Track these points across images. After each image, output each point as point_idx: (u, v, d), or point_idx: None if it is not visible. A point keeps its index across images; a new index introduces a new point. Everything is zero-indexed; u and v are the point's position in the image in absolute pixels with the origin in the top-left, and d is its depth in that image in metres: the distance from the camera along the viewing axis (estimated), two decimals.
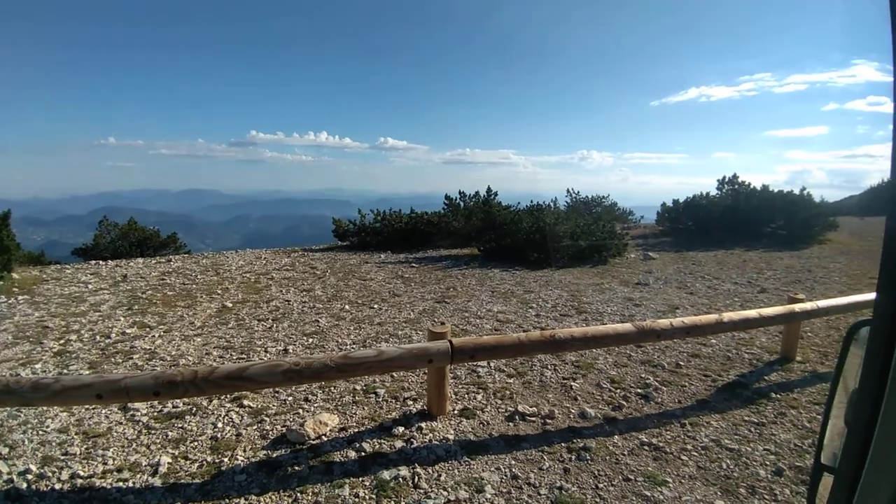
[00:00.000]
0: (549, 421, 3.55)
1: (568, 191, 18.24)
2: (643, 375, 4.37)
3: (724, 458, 3.11)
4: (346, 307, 6.64)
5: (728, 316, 4.14)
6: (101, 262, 10.31)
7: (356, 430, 3.40)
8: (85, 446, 3.17)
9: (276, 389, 3.93)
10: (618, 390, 4.07)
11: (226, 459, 3.03)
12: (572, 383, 4.17)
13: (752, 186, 14.26)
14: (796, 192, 13.65)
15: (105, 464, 2.97)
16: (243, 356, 4.83)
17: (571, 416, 3.64)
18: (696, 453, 3.17)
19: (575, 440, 3.30)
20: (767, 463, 3.07)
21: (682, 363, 4.67)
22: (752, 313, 4.31)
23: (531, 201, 15.16)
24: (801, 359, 4.80)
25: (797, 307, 4.46)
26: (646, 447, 3.23)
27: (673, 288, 7.89)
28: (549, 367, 4.51)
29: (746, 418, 3.63)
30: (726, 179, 14.58)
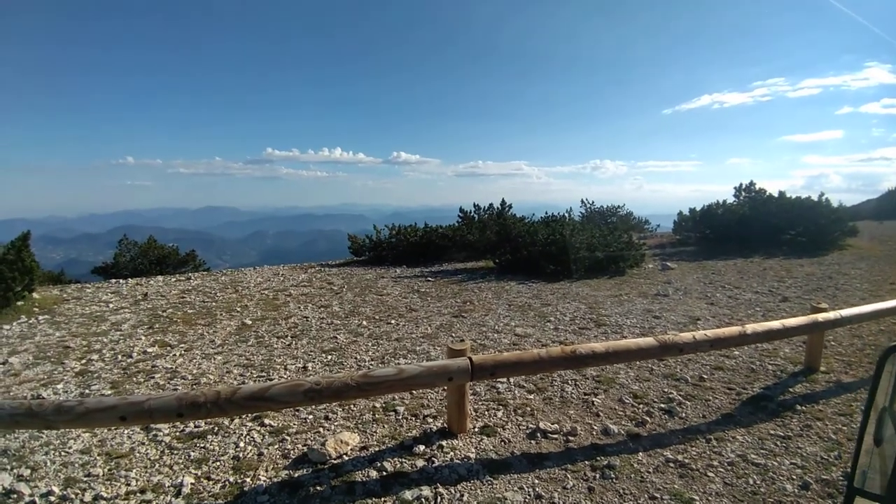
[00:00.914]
0: (571, 438, 3.50)
1: (582, 201, 18.18)
2: (666, 390, 4.30)
3: (751, 474, 3.05)
4: (364, 323, 6.66)
5: (752, 328, 4.08)
6: (121, 280, 10.48)
7: (377, 448, 3.39)
8: (108, 467, 3.19)
9: (297, 408, 3.94)
10: (640, 405, 4.00)
11: (248, 480, 3.03)
12: (594, 399, 4.12)
13: (769, 193, 14.08)
14: (814, 197, 13.48)
15: (128, 485, 2.99)
16: (263, 374, 4.85)
17: (594, 432, 3.59)
18: (722, 469, 3.11)
19: (598, 458, 3.24)
20: (794, 477, 3.02)
21: (705, 376, 4.59)
22: (775, 324, 4.24)
23: (545, 212, 15.14)
24: (826, 369, 4.72)
25: (820, 317, 4.40)
26: (671, 464, 3.17)
27: (693, 298, 7.78)
28: (569, 382, 4.46)
29: (772, 432, 3.57)
30: (743, 187, 14.42)
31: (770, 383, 4.44)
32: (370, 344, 5.75)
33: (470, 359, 3.26)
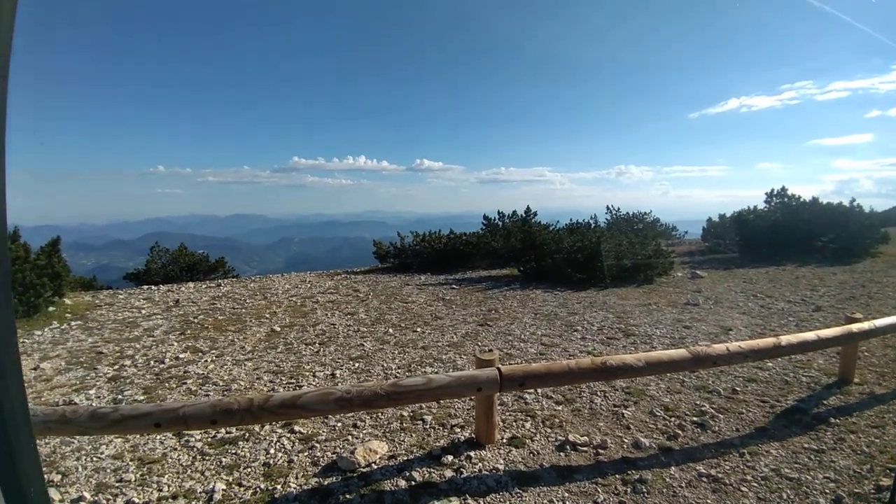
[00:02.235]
0: (601, 451, 3.45)
1: (608, 207, 17.92)
2: (698, 402, 4.20)
3: (785, 489, 2.98)
4: (390, 330, 6.69)
5: (786, 339, 3.98)
6: (153, 286, 10.76)
7: (405, 458, 3.39)
8: (140, 473, 3.24)
9: (326, 416, 3.97)
10: (672, 418, 3.92)
11: (279, 486, 3.07)
12: (624, 411, 4.05)
13: (801, 199, 13.72)
14: (845, 203, 13.13)
15: (160, 490, 3.04)
16: (293, 381, 4.91)
17: (625, 445, 3.53)
18: (755, 484, 3.04)
19: (629, 471, 3.19)
20: (827, 491, 2.95)
21: (738, 388, 4.48)
22: (810, 335, 4.13)
23: (570, 219, 15.00)
24: (859, 380, 4.60)
25: (855, 327, 4.30)
26: (704, 478, 3.10)
27: (724, 308, 7.61)
28: (598, 393, 4.40)
29: (806, 445, 3.49)
30: (774, 192, 14.07)
31: (804, 395, 4.33)
32: (396, 352, 5.78)
33: (499, 369, 3.25)
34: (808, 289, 8.84)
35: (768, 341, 3.89)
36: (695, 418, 3.90)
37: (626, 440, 3.60)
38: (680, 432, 3.69)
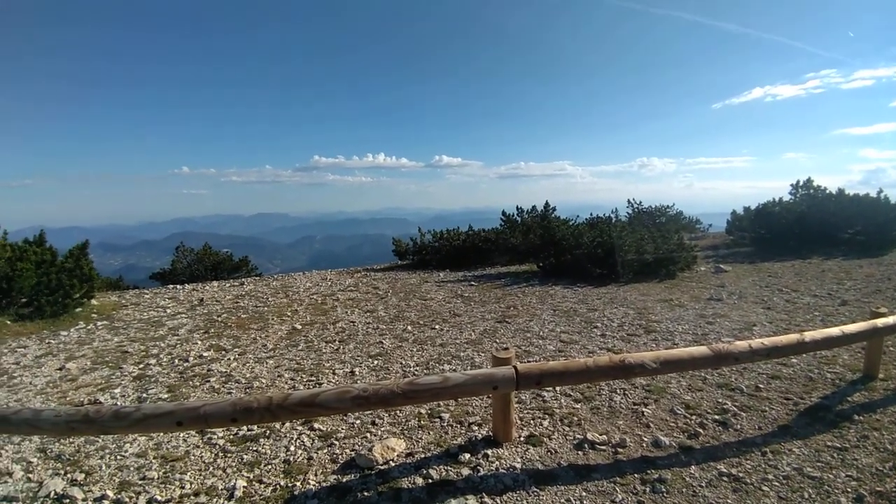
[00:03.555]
0: (620, 450, 3.42)
1: (629, 201, 17.72)
2: (720, 400, 4.13)
3: (806, 488, 2.93)
4: (409, 328, 6.72)
5: (810, 336, 3.89)
6: (178, 286, 11.00)
7: (422, 455, 3.41)
8: (163, 470, 3.31)
9: (345, 413, 4.02)
10: (693, 416, 3.86)
11: (298, 483, 3.11)
12: (644, 409, 4.00)
13: (827, 190, 13.37)
14: (872, 193, 12.73)
15: (182, 488, 3.11)
16: (313, 378, 4.98)
17: (644, 444, 3.49)
18: (777, 483, 2.99)
19: (649, 471, 3.15)
20: (849, 490, 2.90)
21: (761, 386, 4.39)
22: (834, 331, 4.03)
23: (590, 213, 14.86)
24: (884, 376, 4.49)
25: (880, 322, 4.19)
26: (724, 478, 3.05)
27: (749, 303, 7.45)
28: (618, 391, 4.35)
29: (829, 443, 3.42)
30: (800, 184, 13.71)
31: (828, 392, 4.24)
32: (415, 349, 5.81)
33: (515, 367, 3.24)
34: (834, 282, 8.61)
35: (791, 338, 3.80)
36: (716, 416, 3.84)
37: (645, 439, 3.56)
38: (701, 431, 3.63)
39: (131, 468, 3.35)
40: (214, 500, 2.97)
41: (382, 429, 3.81)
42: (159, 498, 3.00)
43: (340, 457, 3.42)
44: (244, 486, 3.07)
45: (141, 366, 5.47)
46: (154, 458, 3.48)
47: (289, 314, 7.75)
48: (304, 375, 5.07)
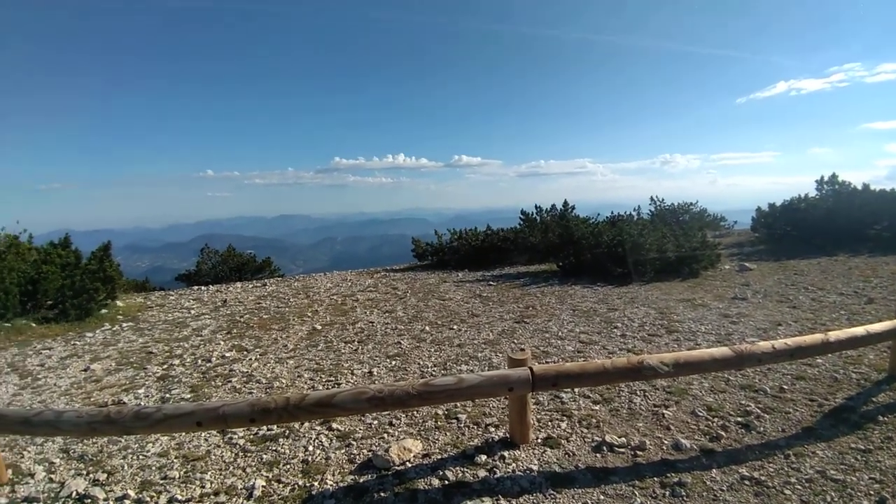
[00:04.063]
0: (639, 452, 3.36)
1: (651, 198, 17.43)
2: (743, 402, 4.04)
3: (829, 491, 2.86)
4: (427, 328, 6.74)
5: (835, 335, 3.79)
6: (203, 287, 11.21)
7: (439, 456, 3.42)
8: (184, 470, 3.37)
9: (362, 414, 4.05)
10: (715, 419, 3.78)
11: (316, 483, 3.15)
12: (664, 411, 3.93)
13: (852, 186, 12.99)
14: None
15: (203, 487, 3.16)
16: (332, 378, 5.02)
17: (664, 447, 3.43)
18: (799, 486, 2.92)
19: (669, 474, 3.10)
20: (871, 493, 2.83)
21: (786, 387, 4.28)
22: (858, 331, 3.92)
23: (611, 212, 14.68)
24: None
25: None
26: (746, 481, 2.98)
27: (773, 302, 7.27)
28: (637, 392, 4.29)
29: (853, 445, 3.33)
30: (825, 179, 13.34)
31: (853, 393, 4.12)
32: (433, 350, 5.81)
33: (531, 369, 3.22)
34: (860, 280, 8.35)
35: (816, 338, 3.70)
36: (739, 418, 3.75)
37: (665, 441, 3.50)
38: (723, 433, 3.56)
39: (153, 468, 3.42)
40: (234, 499, 3.02)
41: (399, 429, 3.83)
42: (180, 497, 3.05)
43: (358, 457, 3.45)
44: (263, 486, 3.12)
45: (165, 366, 5.60)
46: (175, 457, 3.54)
47: (309, 314, 7.84)
48: (323, 376, 5.12)
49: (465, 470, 3.22)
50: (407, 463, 3.33)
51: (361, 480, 3.16)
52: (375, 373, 5.15)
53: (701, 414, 3.87)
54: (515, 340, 6.02)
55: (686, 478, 3.03)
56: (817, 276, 8.95)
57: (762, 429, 3.61)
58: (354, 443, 3.64)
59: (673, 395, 4.21)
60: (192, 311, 8.38)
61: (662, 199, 17.32)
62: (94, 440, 3.79)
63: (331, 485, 3.13)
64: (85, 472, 3.39)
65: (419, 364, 5.35)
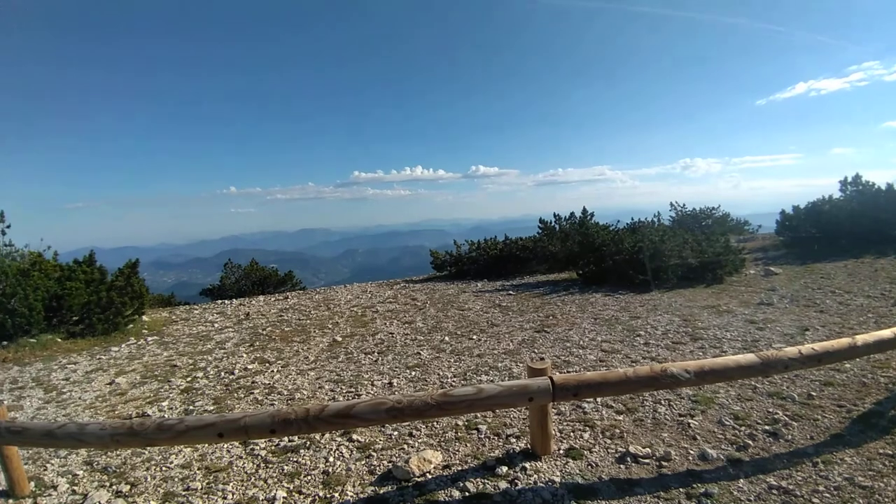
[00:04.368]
0: (664, 463, 3.29)
1: (672, 204, 17.19)
2: (771, 410, 3.93)
3: (857, 498, 2.79)
4: (446, 339, 6.72)
5: (862, 339, 3.66)
6: (226, 301, 11.39)
7: (459, 468, 3.39)
8: (206, 481, 3.40)
9: (382, 425, 4.04)
10: (742, 427, 3.69)
11: (336, 495, 3.15)
12: (690, 420, 3.84)
13: (876, 186, 12.62)
14: None
15: (224, 498, 3.18)
16: (352, 390, 5.04)
17: (690, 457, 3.35)
18: (827, 494, 2.84)
19: (694, 485, 3.02)
20: None
21: (814, 393, 4.17)
22: (886, 333, 3.78)
23: (631, 218, 14.51)
24: None
25: None
26: (774, 491, 2.91)
27: (800, 306, 7.08)
28: (662, 402, 4.20)
29: (881, 451, 3.23)
30: (848, 180, 13.00)
31: (881, 398, 4.00)
32: (452, 360, 5.79)
33: (551, 378, 3.18)
34: (887, 282, 8.12)
35: (843, 342, 3.59)
36: (767, 427, 3.65)
37: (691, 452, 3.42)
38: (750, 442, 3.46)
39: (176, 479, 3.46)
40: None
41: (419, 440, 3.81)
42: None
43: (378, 468, 3.44)
44: (284, 497, 3.13)
45: (189, 379, 5.68)
46: (198, 468, 3.58)
47: (330, 326, 7.89)
48: (343, 387, 5.14)
49: (486, 481, 3.19)
50: (427, 474, 3.31)
51: (381, 492, 3.16)
52: (395, 384, 5.15)
53: (728, 423, 3.77)
54: (536, 350, 5.96)
55: (713, 488, 2.95)
56: (844, 279, 8.72)
57: (790, 436, 3.51)
58: (374, 454, 3.64)
59: (699, 404, 4.12)
60: (216, 325, 8.51)
61: (683, 205, 17.08)
62: (118, 452, 3.85)
63: (351, 496, 3.13)
64: (108, 484, 3.44)
65: (439, 374, 5.33)
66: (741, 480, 3.03)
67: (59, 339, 7.45)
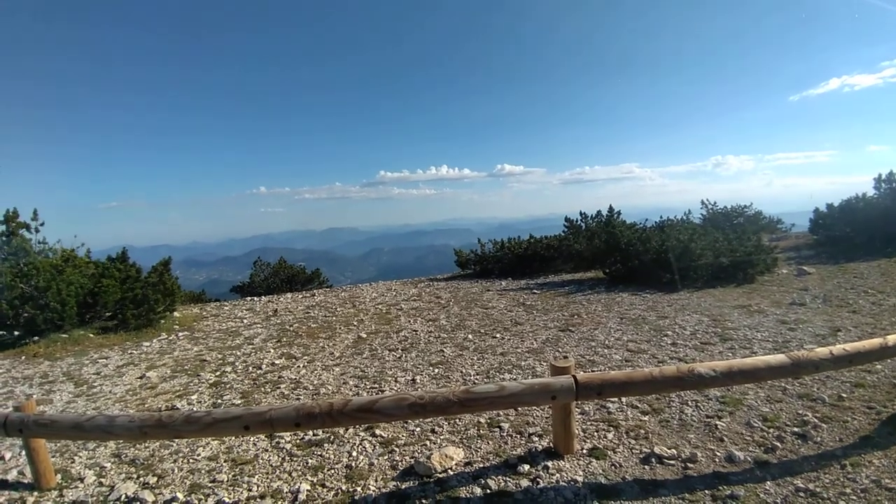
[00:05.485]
0: (690, 465, 3.24)
1: (703, 202, 16.82)
2: (800, 411, 3.83)
3: (883, 500, 2.74)
4: (470, 336, 6.73)
5: (893, 339, 3.57)
6: (255, 298, 11.63)
7: (481, 465, 3.40)
8: (232, 473, 3.48)
9: (405, 420, 4.08)
10: (771, 429, 3.60)
11: (359, 489, 3.19)
12: (717, 422, 3.77)
13: None
14: None
15: (250, 490, 3.25)
16: (376, 385, 5.10)
17: (716, 459, 3.29)
18: (854, 497, 2.78)
19: (721, 487, 2.97)
20: None
21: (844, 395, 4.05)
22: None
23: (660, 216, 14.25)
24: None
25: None
26: (801, 493, 2.85)
27: (833, 307, 6.86)
28: (689, 403, 4.13)
29: None
30: (882, 177, 12.52)
31: None
32: (475, 358, 5.80)
33: (574, 377, 3.15)
34: None
35: (874, 342, 3.49)
36: (796, 429, 3.56)
37: (718, 453, 3.35)
38: (778, 444, 3.38)
39: (202, 471, 3.54)
40: (280, 502, 3.11)
41: (442, 437, 3.84)
42: (227, 500, 3.16)
43: (400, 464, 3.47)
44: (308, 490, 3.19)
45: (217, 373, 5.83)
46: (224, 461, 3.67)
47: (355, 323, 7.99)
48: (367, 383, 5.20)
49: (508, 479, 3.19)
50: (449, 471, 3.33)
51: (403, 487, 3.19)
52: (418, 380, 5.18)
53: (756, 424, 3.69)
54: (560, 349, 5.92)
55: (739, 490, 2.90)
56: (877, 278, 8.44)
57: (819, 439, 3.43)
58: (397, 449, 3.68)
59: (727, 406, 4.03)
60: (245, 321, 8.70)
61: (714, 203, 16.69)
62: (146, 445, 3.96)
63: (373, 490, 3.17)
64: (135, 476, 3.53)
65: (462, 372, 5.35)
66: (768, 483, 2.97)
67: (92, 335, 7.69)
